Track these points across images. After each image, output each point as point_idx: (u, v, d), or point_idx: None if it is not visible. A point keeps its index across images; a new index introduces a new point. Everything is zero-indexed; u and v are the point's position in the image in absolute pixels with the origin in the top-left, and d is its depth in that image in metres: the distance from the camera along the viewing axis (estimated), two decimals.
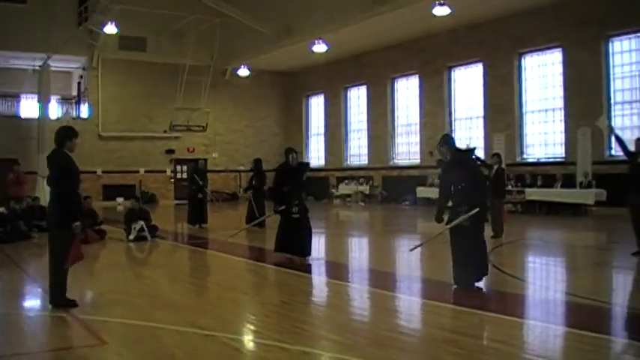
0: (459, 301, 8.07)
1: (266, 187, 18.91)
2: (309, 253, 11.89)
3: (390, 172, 31.48)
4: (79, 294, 8.47)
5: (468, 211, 8.51)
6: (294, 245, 11.78)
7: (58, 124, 23.93)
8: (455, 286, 8.78)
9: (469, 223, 8.57)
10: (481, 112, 27.17)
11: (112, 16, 28.27)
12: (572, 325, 6.97)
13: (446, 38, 27.92)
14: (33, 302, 9.08)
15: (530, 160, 25.29)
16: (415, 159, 30.28)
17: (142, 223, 15.93)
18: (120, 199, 32.02)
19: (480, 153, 26.64)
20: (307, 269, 11.14)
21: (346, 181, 32.99)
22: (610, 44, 22.45)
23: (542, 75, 24.88)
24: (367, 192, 31.71)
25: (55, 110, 32.82)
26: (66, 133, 8.28)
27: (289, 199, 11.86)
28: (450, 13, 22.48)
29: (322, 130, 37.27)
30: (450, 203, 9.01)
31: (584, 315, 7.52)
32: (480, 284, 8.82)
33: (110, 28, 28.67)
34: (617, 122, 21.86)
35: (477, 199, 8.64)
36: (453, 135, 28.30)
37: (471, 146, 8.96)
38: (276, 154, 31.73)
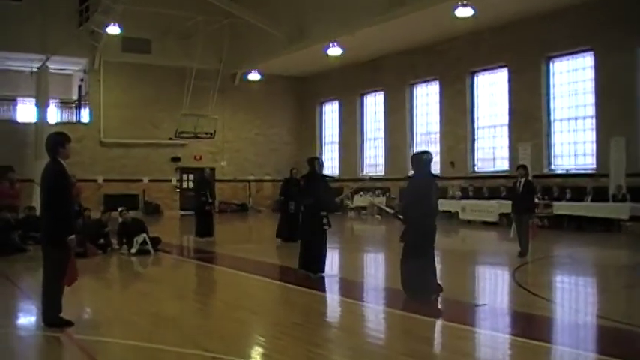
0: (482, 323, 7.97)
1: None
2: (323, 269, 11.98)
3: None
4: (75, 311, 8.44)
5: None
6: (317, 261, 11.84)
7: (57, 130, 24.02)
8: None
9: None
10: (506, 121, 27.01)
11: (114, 16, 28.34)
12: (604, 351, 6.86)
13: (468, 41, 27.83)
14: (26, 320, 9.03)
15: (558, 172, 25.06)
16: (435, 170, 30.09)
17: (144, 235, 15.95)
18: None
19: (504, 164, 26.69)
20: (320, 287, 11.07)
21: (361, 193, 32.86)
22: None
23: (572, 80, 24.68)
24: (384, 204, 31.57)
25: (54, 115, 32.92)
26: (58, 140, 8.12)
27: (318, 209, 11.97)
28: (474, 15, 22.42)
29: (336, 139, 37.25)
30: None
31: (618, 340, 7.41)
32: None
33: (113, 29, 28.77)
34: None
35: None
36: (476, 144, 28.34)
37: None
38: (288, 165, 31.73)
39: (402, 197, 9.93)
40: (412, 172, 10.04)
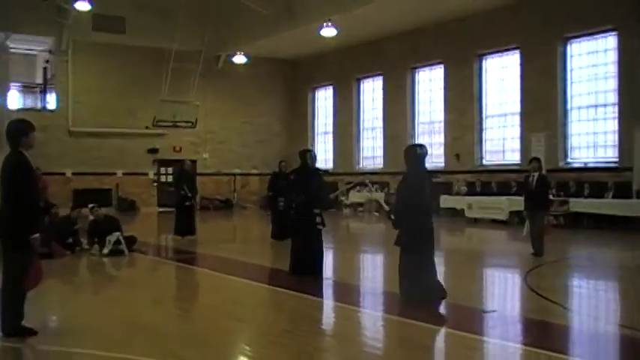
0: (490, 332, 7.96)
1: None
2: (320, 272, 12.08)
3: None
4: (39, 319, 8.40)
5: None
6: (310, 263, 11.84)
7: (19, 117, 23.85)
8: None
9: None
10: (517, 109, 27.02)
11: None
12: None
13: (477, 21, 27.79)
14: None
15: (575, 165, 25.06)
16: (439, 162, 30.06)
17: (117, 234, 15.90)
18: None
19: (515, 156, 26.68)
20: (312, 291, 11.05)
21: (358, 188, 32.87)
22: None
23: (592, 64, 24.64)
24: (382, 200, 31.52)
25: (15, 100, 32.68)
26: (20, 127, 8.04)
27: (311, 206, 12.01)
28: None
29: (331, 129, 37.28)
30: None
31: None
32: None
33: (82, 5, 28.56)
34: None
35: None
36: (484, 135, 28.33)
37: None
38: (277, 157, 31.72)
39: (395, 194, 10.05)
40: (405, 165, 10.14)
